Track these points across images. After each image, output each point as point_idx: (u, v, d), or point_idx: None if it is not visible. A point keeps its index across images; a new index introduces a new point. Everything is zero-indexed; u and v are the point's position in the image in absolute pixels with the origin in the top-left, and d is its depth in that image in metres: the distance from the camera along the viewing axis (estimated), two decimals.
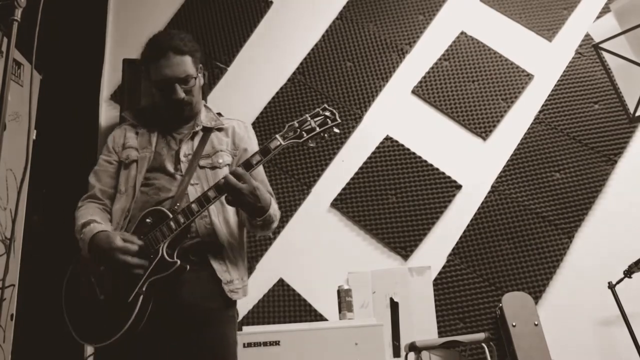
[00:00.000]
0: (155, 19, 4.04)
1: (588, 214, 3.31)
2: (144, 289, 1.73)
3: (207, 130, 2.02)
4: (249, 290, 3.55)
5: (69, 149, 3.37)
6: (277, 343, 2.47)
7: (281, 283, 3.34)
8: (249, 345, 2.44)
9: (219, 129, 2.05)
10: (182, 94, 1.92)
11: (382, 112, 3.70)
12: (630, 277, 2.80)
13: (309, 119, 1.84)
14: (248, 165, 1.80)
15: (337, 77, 3.78)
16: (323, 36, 3.90)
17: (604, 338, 3.06)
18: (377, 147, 3.59)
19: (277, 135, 1.83)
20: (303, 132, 1.83)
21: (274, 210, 1.92)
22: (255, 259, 3.41)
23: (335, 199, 3.51)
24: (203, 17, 4.03)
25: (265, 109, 3.74)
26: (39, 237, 3.16)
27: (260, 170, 1.97)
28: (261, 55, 3.91)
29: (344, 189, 3.52)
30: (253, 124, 3.71)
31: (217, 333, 1.84)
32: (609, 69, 3.39)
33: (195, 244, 1.84)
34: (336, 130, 1.87)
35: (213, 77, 3.81)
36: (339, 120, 1.87)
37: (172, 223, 1.78)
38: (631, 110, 3.09)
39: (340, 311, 2.84)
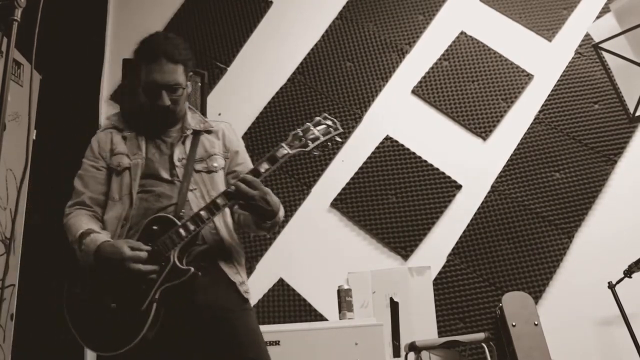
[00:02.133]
0: (155, 19, 4.04)
1: (588, 214, 3.31)
2: (157, 296, 1.72)
3: (196, 133, 2.00)
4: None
5: (69, 149, 3.36)
6: (277, 343, 2.46)
7: (281, 283, 3.34)
8: None
9: (208, 132, 2.03)
10: (167, 102, 1.88)
11: (382, 112, 3.69)
12: (630, 277, 2.80)
13: (312, 127, 1.86)
14: (256, 173, 1.81)
15: (337, 77, 3.78)
16: (323, 36, 3.90)
17: (604, 338, 3.06)
18: (377, 147, 3.59)
19: (283, 144, 1.83)
20: (308, 141, 1.85)
21: (282, 212, 1.92)
22: (255, 259, 3.41)
23: (335, 199, 3.50)
24: (203, 16, 4.03)
25: (265, 109, 3.74)
26: (39, 237, 3.16)
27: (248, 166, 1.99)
28: (261, 55, 3.91)
29: (344, 189, 3.52)
30: (253, 124, 3.71)
31: (238, 323, 1.83)
32: (609, 69, 3.38)
33: (203, 250, 1.84)
34: (338, 139, 1.91)
35: (213, 77, 3.81)
36: (341, 130, 1.91)
37: (181, 230, 1.76)
38: (631, 110, 3.08)
39: (340, 311, 2.84)
